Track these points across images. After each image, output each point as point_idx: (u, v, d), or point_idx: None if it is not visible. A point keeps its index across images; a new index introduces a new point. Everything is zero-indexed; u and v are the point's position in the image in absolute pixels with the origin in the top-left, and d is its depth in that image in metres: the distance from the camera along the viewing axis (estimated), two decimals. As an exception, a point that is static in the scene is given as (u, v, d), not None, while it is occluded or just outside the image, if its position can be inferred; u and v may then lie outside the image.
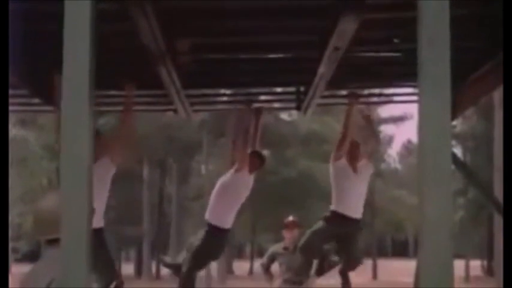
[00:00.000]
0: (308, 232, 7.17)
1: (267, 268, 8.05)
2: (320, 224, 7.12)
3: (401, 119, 45.43)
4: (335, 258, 7.68)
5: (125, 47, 5.45)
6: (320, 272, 7.76)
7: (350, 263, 7.22)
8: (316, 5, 4.69)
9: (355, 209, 7.05)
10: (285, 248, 7.83)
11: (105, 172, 5.68)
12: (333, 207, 7.08)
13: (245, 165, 6.75)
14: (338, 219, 6.98)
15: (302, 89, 6.64)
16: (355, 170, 7.01)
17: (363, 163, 7.09)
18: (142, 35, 4.35)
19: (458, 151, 32.36)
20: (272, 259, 8.00)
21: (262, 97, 7.63)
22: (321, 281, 8.15)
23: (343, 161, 7.01)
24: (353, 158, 7.01)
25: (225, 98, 8.17)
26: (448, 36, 2.16)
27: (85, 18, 2.24)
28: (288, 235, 7.87)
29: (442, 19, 2.15)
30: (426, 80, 2.18)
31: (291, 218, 8.04)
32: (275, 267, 8.04)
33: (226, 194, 6.76)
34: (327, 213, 7.12)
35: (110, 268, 5.65)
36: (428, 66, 2.17)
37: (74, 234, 2.20)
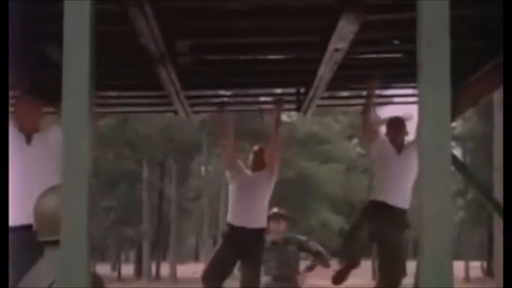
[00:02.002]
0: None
1: None
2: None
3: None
4: (327, 255, 7.61)
5: (124, 48, 5.45)
6: (311, 267, 7.67)
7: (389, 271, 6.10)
8: (316, 6, 4.70)
9: (393, 196, 6.08)
10: (274, 243, 7.36)
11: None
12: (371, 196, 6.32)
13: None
14: (373, 207, 6.16)
15: (302, 90, 6.65)
16: (399, 150, 6.20)
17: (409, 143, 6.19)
18: (142, 36, 4.35)
19: (458, 152, 32.37)
20: None
21: (262, 98, 7.64)
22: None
23: (381, 140, 6.27)
24: (396, 137, 6.25)
25: (225, 99, 8.18)
26: (447, 37, 2.16)
27: (85, 18, 2.25)
28: (275, 227, 7.37)
29: (441, 19, 2.15)
30: (426, 81, 2.18)
31: (275, 210, 7.50)
32: None
33: (262, 195, 6.83)
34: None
35: None
36: (427, 67, 2.17)
37: (73, 234, 2.20)
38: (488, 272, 37.78)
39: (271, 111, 6.95)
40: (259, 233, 6.74)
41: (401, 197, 6.11)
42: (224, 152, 7.15)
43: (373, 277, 36.12)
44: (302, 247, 7.56)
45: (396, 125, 6.39)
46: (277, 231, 7.42)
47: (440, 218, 2.14)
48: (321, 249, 7.55)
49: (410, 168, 5.89)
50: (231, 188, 6.92)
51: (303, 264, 7.71)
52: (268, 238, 7.44)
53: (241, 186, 6.81)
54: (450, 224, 2.16)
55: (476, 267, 40.67)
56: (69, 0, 2.26)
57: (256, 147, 7.14)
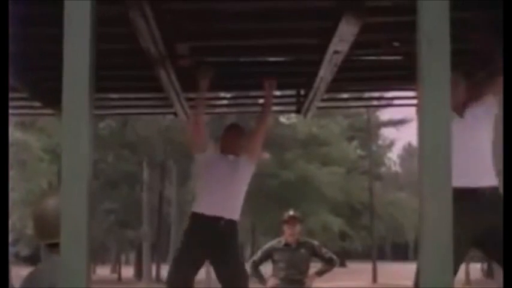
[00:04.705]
0: None
1: (258, 265, 7.55)
2: None
3: (401, 122, 45.61)
4: (335, 257, 7.64)
5: (124, 50, 5.45)
6: (321, 272, 7.71)
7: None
8: (316, 8, 4.70)
9: (469, 174, 4.48)
10: (287, 244, 7.45)
11: None
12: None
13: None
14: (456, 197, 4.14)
15: (302, 92, 6.65)
16: (460, 112, 4.67)
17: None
18: (142, 38, 4.35)
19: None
20: (268, 256, 7.54)
21: (262, 100, 7.63)
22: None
23: None
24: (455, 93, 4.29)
25: (225, 101, 8.18)
26: (448, 37, 2.16)
27: (85, 19, 2.25)
28: (289, 231, 7.47)
29: (441, 20, 2.16)
30: (426, 81, 2.18)
31: (291, 213, 7.62)
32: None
33: (242, 184, 5.97)
34: None
35: None
36: (428, 68, 2.17)
37: (73, 236, 2.20)
38: (489, 273, 37.75)
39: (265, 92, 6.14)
40: (235, 225, 5.82)
41: (480, 172, 4.51)
42: (195, 120, 5.95)
43: (374, 279, 36.14)
44: (314, 252, 7.60)
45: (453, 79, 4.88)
46: (292, 234, 7.49)
47: (440, 218, 2.14)
48: (333, 256, 7.60)
49: (480, 135, 4.47)
50: (203, 170, 5.95)
51: (313, 268, 7.74)
52: (282, 240, 7.50)
53: (217, 171, 5.83)
54: (450, 224, 2.16)
55: (476, 269, 40.62)
56: (69, 0, 2.26)
57: (230, 126, 6.27)
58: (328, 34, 4.62)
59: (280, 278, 7.43)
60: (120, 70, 6.04)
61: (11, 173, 26.24)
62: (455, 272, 4.45)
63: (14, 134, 29.55)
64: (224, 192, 5.74)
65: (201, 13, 4.78)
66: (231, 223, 5.76)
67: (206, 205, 5.75)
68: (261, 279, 7.59)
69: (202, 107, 5.86)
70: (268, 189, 31.33)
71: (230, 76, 6.36)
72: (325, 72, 5.38)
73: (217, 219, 5.69)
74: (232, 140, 6.00)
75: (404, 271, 28.37)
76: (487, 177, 4.61)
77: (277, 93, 7.33)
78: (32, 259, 30.44)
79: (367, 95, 8.15)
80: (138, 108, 7.60)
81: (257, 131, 6.08)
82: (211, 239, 5.65)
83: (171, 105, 6.48)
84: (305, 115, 6.98)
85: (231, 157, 5.92)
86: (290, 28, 5.10)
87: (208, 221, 5.69)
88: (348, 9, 4.13)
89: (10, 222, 25.32)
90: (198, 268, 5.78)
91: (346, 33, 4.43)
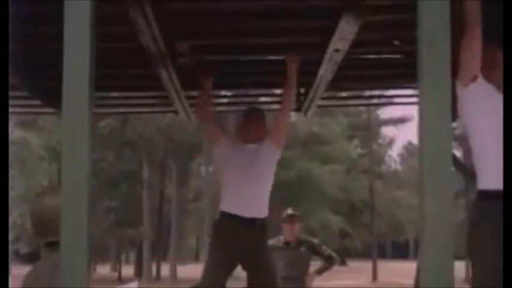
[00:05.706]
0: None
1: None
2: None
3: (401, 120, 45.65)
4: (335, 255, 7.64)
5: (125, 49, 5.45)
6: (321, 270, 7.70)
7: None
8: (316, 7, 4.70)
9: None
10: (286, 243, 7.40)
11: None
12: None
13: None
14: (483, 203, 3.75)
15: (302, 90, 6.65)
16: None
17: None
18: (142, 36, 4.35)
19: (458, 153, 32.36)
20: None
21: (262, 99, 7.63)
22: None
23: (479, 83, 3.63)
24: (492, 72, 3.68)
25: (225, 100, 8.18)
26: (448, 37, 2.16)
27: (85, 19, 2.25)
28: (288, 229, 7.42)
29: (442, 19, 2.16)
30: (426, 81, 2.18)
31: (290, 212, 7.54)
32: None
33: (268, 176, 5.37)
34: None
35: None
36: (428, 67, 2.17)
37: (73, 234, 2.20)
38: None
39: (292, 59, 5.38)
40: (265, 224, 5.29)
41: None
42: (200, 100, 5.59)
43: (374, 278, 36.15)
44: (314, 250, 7.57)
45: (491, 52, 3.71)
46: (291, 232, 7.45)
47: (440, 218, 2.14)
48: (333, 254, 7.59)
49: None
50: (222, 164, 5.39)
51: (313, 266, 7.72)
52: (282, 239, 7.47)
53: (237, 163, 5.23)
54: (450, 224, 2.16)
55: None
56: (69, 0, 2.26)
57: (251, 110, 5.68)
58: (328, 32, 4.62)
59: (280, 276, 7.42)
60: (120, 69, 6.04)
61: (12, 172, 26.27)
62: None
63: (15, 132, 29.58)
64: (250, 187, 5.15)
65: (201, 12, 4.78)
66: (264, 223, 5.27)
67: (234, 204, 5.20)
68: None
69: (208, 106, 5.70)
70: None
71: (230, 74, 6.36)
72: (326, 71, 5.38)
73: (251, 221, 5.18)
74: (255, 125, 5.36)
75: (405, 269, 28.37)
76: None
77: (277, 91, 7.34)
78: (32, 257, 30.43)
79: (367, 93, 8.13)
80: (138, 107, 7.60)
81: (281, 112, 5.53)
82: (242, 242, 5.13)
83: (171, 104, 6.48)
84: (305, 113, 6.98)
85: (251, 146, 5.28)
86: (290, 27, 5.10)
87: (240, 223, 5.15)
88: (348, 8, 4.13)
89: (10, 220, 25.34)
90: (229, 270, 5.21)
91: (346, 32, 4.43)
